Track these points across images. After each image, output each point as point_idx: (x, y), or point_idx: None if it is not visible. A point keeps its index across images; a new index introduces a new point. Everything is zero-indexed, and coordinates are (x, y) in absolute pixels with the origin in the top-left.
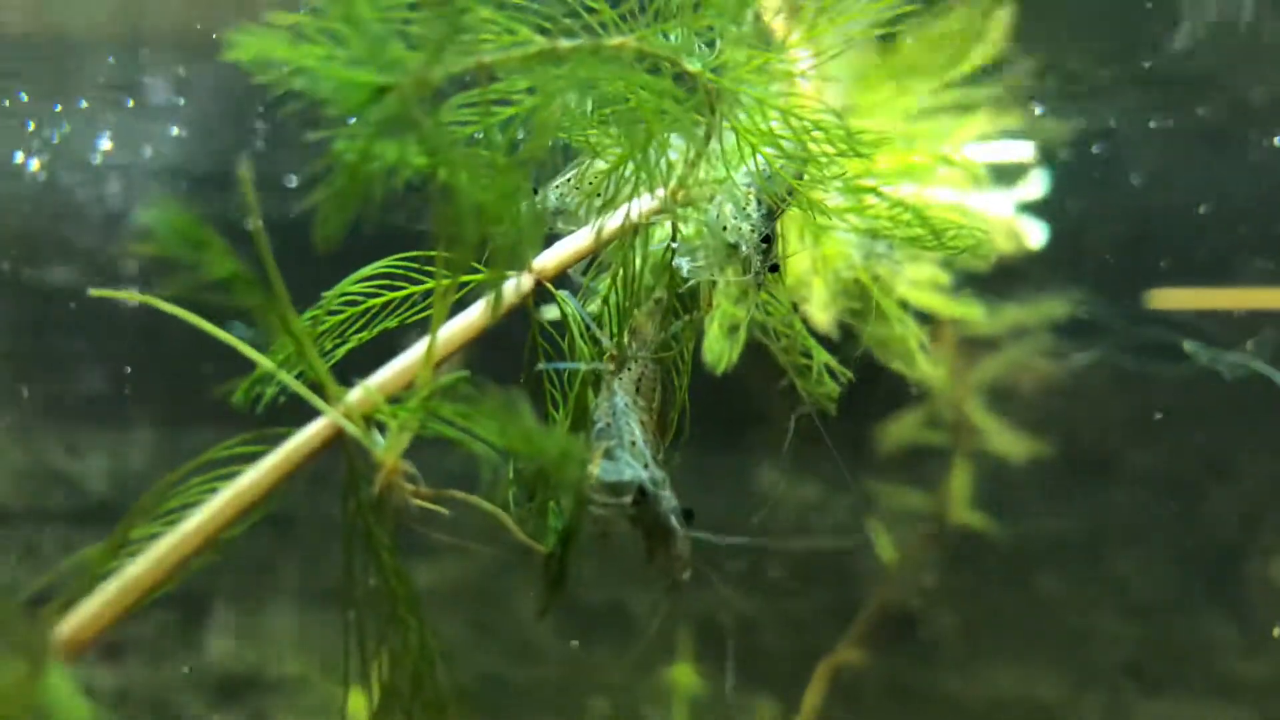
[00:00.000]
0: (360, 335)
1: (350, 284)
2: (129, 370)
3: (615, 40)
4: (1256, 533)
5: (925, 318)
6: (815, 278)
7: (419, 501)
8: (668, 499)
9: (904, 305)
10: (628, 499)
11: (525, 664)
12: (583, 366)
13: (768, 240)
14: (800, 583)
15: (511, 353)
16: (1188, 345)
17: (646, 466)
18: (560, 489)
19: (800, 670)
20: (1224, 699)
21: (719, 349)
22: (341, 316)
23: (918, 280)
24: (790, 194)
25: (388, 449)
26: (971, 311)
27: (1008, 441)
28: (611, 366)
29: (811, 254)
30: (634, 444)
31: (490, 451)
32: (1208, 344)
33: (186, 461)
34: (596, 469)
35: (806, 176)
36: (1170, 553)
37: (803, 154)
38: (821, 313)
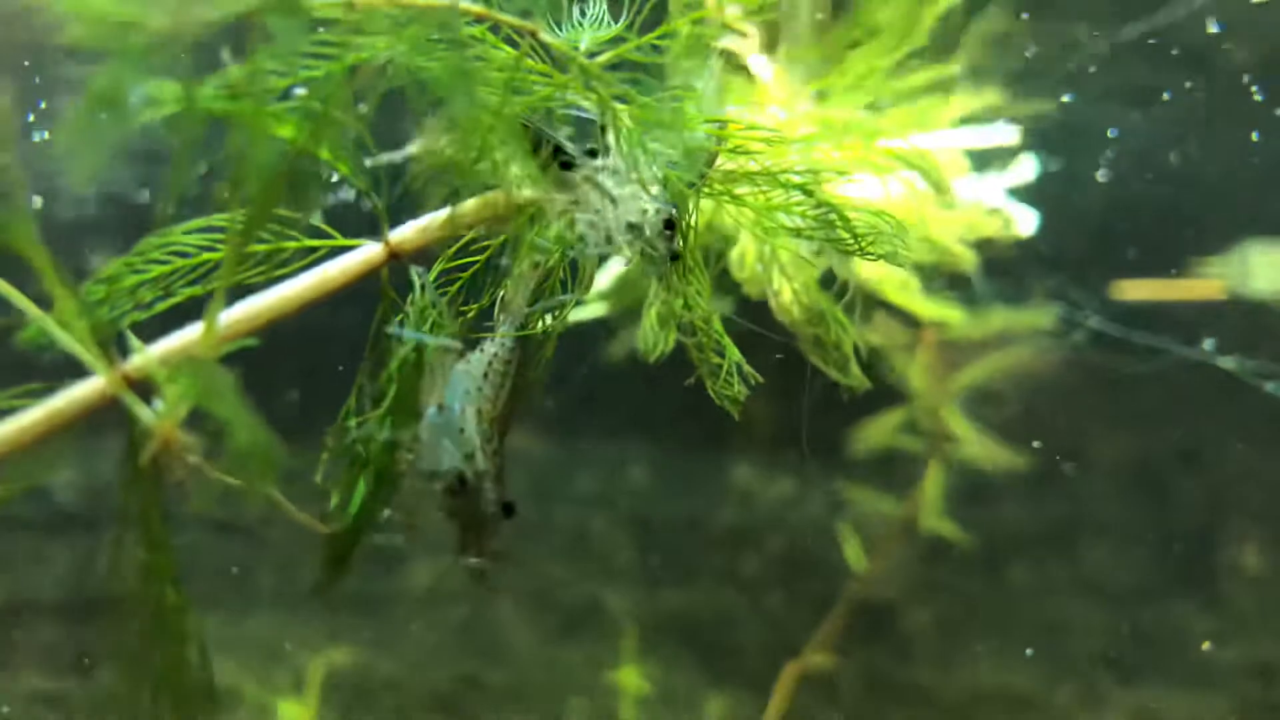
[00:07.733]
0: (190, 290)
1: (179, 234)
2: None
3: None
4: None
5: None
6: (778, 276)
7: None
8: (488, 490)
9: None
10: (440, 487)
11: (502, 665)
12: (427, 339)
13: (670, 225)
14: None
15: None
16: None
17: (470, 456)
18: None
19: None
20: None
21: (653, 339)
22: (169, 268)
23: (888, 280)
24: (701, 179)
25: (163, 416)
26: (952, 314)
27: (985, 448)
28: (445, 345)
29: (758, 249)
30: (462, 431)
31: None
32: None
33: None
34: (413, 455)
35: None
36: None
37: (705, 144)
38: (787, 312)
